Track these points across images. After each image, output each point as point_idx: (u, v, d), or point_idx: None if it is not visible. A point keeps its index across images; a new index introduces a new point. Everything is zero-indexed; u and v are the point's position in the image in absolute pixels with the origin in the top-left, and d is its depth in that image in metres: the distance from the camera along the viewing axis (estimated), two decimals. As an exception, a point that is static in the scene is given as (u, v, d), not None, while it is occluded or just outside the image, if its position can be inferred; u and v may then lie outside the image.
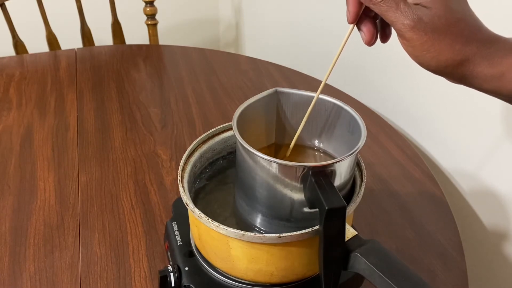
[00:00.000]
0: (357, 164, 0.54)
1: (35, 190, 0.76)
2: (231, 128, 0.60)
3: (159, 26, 1.34)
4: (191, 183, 0.56)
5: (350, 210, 0.49)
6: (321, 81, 0.50)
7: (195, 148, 0.57)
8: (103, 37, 1.37)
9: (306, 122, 0.53)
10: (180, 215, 0.61)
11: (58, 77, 1.09)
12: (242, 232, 0.46)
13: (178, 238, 0.59)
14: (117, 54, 1.19)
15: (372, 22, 0.44)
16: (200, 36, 1.82)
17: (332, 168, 0.46)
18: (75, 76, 1.09)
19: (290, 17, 1.38)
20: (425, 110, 0.94)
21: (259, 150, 0.46)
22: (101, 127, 0.91)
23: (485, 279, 0.89)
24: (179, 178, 0.53)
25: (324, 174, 0.45)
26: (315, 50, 1.28)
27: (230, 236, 0.47)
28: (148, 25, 1.32)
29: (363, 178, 0.53)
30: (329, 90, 1.02)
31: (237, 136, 0.48)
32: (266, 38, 1.57)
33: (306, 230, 0.46)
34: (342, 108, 0.53)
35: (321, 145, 0.58)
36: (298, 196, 0.47)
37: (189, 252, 0.57)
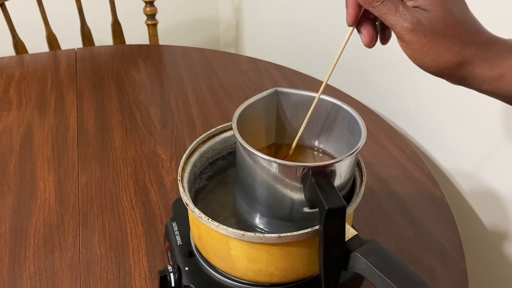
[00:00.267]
0: (357, 164, 0.54)
1: (35, 190, 0.76)
2: (231, 128, 0.60)
3: (159, 26, 1.34)
4: (191, 183, 0.56)
5: (350, 210, 0.49)
6: (321, 81, 0.50)
7: (195, 148, 0.57)
8: (103, 37, 1.37)
9: (306, 123, 0.53)
10: (180, 215, 0.61)
11: (58, 77, 1.09)
12: (242, 232, 0.46)
13: (178, 238, 0.59)
14: (117, 54, 1.19)
15: (371, 25, 0.45)
16: (200, 36, 1.82)
17: (332, 168, 0.46)
18: (75, 76, 1.09)
19: (290, 17, 1.38)
20: (425, 110, 0.94)
21: (259, 150, 0.46)
22: (101, 127, 0.92)
23: (485, 279, 0.89)
24: (179, 178, 0.53)
25: (324, 174, 0.45)
26: (315, 50, 1.28)
27: (230, 236, 0.47)
28: (148, 25, 1.32)
29: (363, 178, 0.53)
30: (329, 90, 1.02)
31: (237, 136, 0.48)
32: (266, 38, 1.57)
33: (306, 230, 0.46)
34: (342, 108, 0.53)
35: (321, 145, 0.58)
36: (298, 196, 0.47)
37: (189, 252, 0.57)
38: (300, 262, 0.50)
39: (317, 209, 0.45)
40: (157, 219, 0.71)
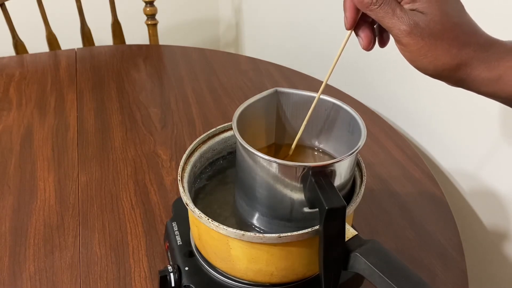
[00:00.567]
0: (357, 164, 0.54)
1: (35, 190, 0.76)
2: (231, 128, 0.60)
3: (159, 26, 1.34)
4: (191, 183, 0.56)
5: (350, 210, 0.49)
6: (321, 81, 0.50)
7: (195, 148, 0.57)
8: (103, 37, 1.37)
9: (306, 123, 0.53)
10: (180, 215, 0.61)
11: (58, 77, 1.09)
12: (242, 232, 0.46)
13: (178, 238, 0.59)
14: (117, 54, 1.19)
15: (369, 28, 0.45)
16: (200, 36, 1.82)
17: (332, 168, 0.46)
18: (75, 76, 1.09)
19: (290, 17, 1.38)
20: (425, 110, 0.94)
21: (259, 150, 0.47)
22: (101, 127, 0.92)
23: (485, 279, 0.89)
24: (179, 178, 0.53)
25: (324, 174, 0.45)
26: (315, 50, 1.28)
27: (230, 236, 0.47)
28: (148, 25, 1.32)
29: (363, 178, 0.53)
30: (329, 90, 1.02)
31: (237, 136, 0.48)
32: (266, 38, 1.57)
33: (306, 230, 0.46)
34: (342, 108, 0.53)
35: (321, 145, 0.58)
36: (298, 196, 0.47)
37: (189, 252, 0.57)
38: (300, 262, 0.50)
39: (317, 209, 0.45)
40: (157, 219, 0.71)
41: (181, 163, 0.54)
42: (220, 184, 0.59)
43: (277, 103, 0.56)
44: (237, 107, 0.52)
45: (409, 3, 0.40)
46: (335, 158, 0.49)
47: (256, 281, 0.52)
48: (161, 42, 1.40)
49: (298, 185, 0.47)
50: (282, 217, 0.50)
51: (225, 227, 0.47)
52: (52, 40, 1.27)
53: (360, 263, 0.44)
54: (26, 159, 0.83)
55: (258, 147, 0.53)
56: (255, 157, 0.47)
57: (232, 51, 1.82)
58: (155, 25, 1.33)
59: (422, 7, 0.40)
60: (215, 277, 0.53)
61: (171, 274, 0.54)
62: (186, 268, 0.55)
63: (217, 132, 0.59)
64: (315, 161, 0.57)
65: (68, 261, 0.64)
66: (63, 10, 1.32)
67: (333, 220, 0.43)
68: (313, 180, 0.45)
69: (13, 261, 0.64)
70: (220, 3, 1.78)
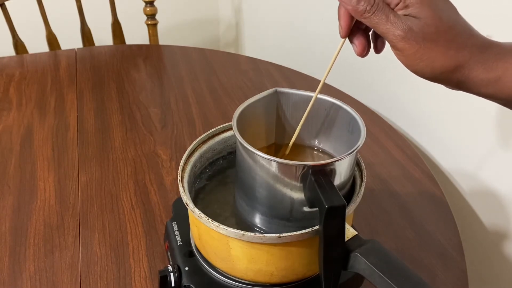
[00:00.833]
0: (357, 164, 0.54)
1: (35, 190, 0.76)
2: (231, 128, 0.60)
3: (159, 26, 1.34)
4: (191, 183, 0.56)
5: (350, 210, 0.49)
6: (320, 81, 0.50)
7: (195, 148, 0.57)
8: (103, 37, 1.37)
9: (305, 122, 0.53)
10: (180, 215, 0.61)
11: (58, 77, 1.09)
12: (242, 232, 0.46)
13: (178, 238, 0.59)
14: (117, 54, 1.19)
15: (363, 35, 0.46)
16: (200, 36, 1.82)
17: (331, 167, 0.46)
18: (75, 76, 1.09)
19: (290, 17, 1.38)
20: (425, 110, 0.94)
21: (259, 150, 0.47)
22: (101, 127, 0.92)
23: (485, 279, 0.89)
24: (179, 178, 0.53)
25: (323, 173, 0.45)
26: (315, 50, 1.28)
27: (230, 236, 0.47)
28: (148, 25, 1.32)
29: (363, 178, 0.53)
30: (329, 89, 1.02)
31: (237, 136, 0.48)
32: (266, 38, 1.57)
33: (306, 230, 0.46)
34: (341, 107, 0.53)
35: (320, 145, 0.58)
36: (298, 195, 0.47)
37: (189, 252, 0.57)
38: (300, 262, 0.50)
39: (317, 209, 0.45)
40: (157, 219, 0.71)
41: (181, 163, 0.54)
42: (220, 184, 0.59)
43: (277, 103, 0.56)
44: (237, 107, 0.52)
45: (402, 9, 0.41)
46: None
47: (256, 281, 0.52)
48: (161, 42, 1.41)
49: (298, 184, 0.47)
50: (282, 216, 0.50)
51: (225, 227, 0.47)
52: (52, 40, 1.27)
53: (360, 263, 0.44)
54: (26, 159, 0.83)
55: (258, 147, 0.53)
56: (255, 157, 0.47)
57: (232, 51, 1.82)
58: (155, 25, 1.33)
59: (415, 12, 0.40)
60: (215, 277, 0.53)
61: (171, 274, 0.54)
62: (186, 268, 0.55)
63: (217, 132, 0.59)
64: (315, 160, 0.57)
65: (68, 261, 0.64)
66: (63, 10, 1.32)
67: (333, 219, 0.43)
68: (312, 179, 0.45)
69: (13, 261, 0.64)
70: (220, 3, 1.78)
